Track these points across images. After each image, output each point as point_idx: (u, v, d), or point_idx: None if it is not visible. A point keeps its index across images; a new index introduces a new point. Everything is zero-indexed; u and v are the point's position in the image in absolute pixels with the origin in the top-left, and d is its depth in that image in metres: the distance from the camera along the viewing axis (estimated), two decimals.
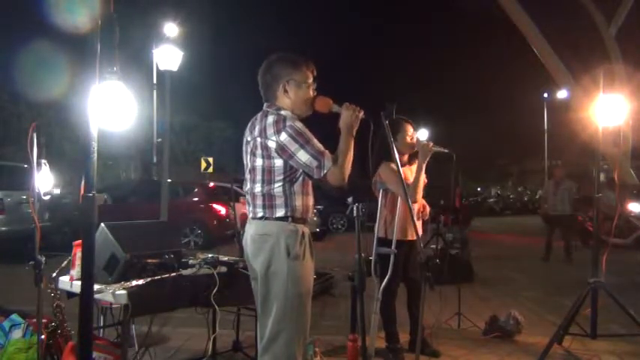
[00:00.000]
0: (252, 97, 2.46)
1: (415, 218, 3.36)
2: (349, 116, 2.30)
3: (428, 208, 3.87)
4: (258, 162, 2.28)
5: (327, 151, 2.25)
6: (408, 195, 3.52)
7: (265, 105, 2.39)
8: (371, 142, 2.49)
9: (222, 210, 11.62)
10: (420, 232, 3.69)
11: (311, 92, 2.39)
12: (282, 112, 2.31)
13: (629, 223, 9.90)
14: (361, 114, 2.33)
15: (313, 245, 2.36)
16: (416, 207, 3.73)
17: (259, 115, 2.37)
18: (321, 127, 2.42)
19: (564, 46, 11.44)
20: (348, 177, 2.27)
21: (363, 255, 2.50)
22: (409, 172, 3.70)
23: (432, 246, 6.61)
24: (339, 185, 2.28)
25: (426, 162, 3.56)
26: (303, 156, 2.21)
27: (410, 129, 3.75)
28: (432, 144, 3.60)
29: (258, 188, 2.30)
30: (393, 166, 3.62)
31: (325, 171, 2.22)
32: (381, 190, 3.69)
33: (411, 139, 3.73)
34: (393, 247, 3.57)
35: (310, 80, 2.39)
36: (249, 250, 2.35)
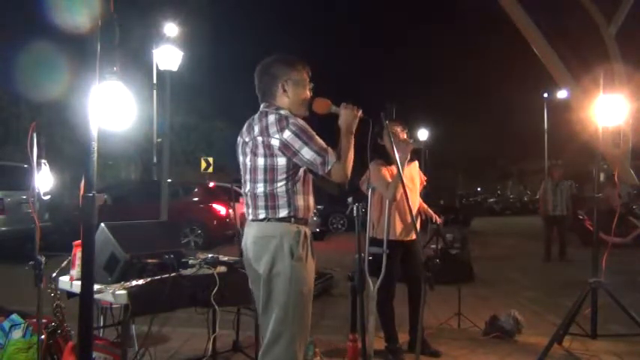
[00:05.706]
0: (253, 97, 2.46)
1: (414, 218, 3.37)
2: (348, 115, 2.32)
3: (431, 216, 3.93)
4: (260, 161, 2.27)
5: (330, 148, 2.27)
6: (387, 193, 3.55)
7: (263, 105, 2.39)
8: (370, 141, 2.50)
9: (222, 210, 11.62)
10: (414, 237, 3.71)
11: (308, 92, 2.41)
12: (282, 112, 2.31)
13: (628, 222, 9.89)
14: (359, 113, 2.34)
15: (314, 245, 2.36)
16: (415, 208, 3.74)
17: (256, 116, 2.36)
18: (321, 126, 2.42)
19: (564, 46, 11.44)
20: (349, 174, 2.29)
21: (362, 255, 2.50)
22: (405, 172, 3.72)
23: (432, 246, 6.60)
24: (342, 182, 2.30)
25: (406, 159, 3.56)
26: (307, 153, 2.22)
27: (397, 129, 3.76)
28: (411, 140, 3.68)
29: (260, 188, 2.29)
30: (380, 166, 3.68)
31: (329, 167, 2.24)
32: (370, 190, 3.70)
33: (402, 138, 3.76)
34: (384, 247, 3.58)
35: (307, 80, 2.41)
36: (250, 253, 2.32)
